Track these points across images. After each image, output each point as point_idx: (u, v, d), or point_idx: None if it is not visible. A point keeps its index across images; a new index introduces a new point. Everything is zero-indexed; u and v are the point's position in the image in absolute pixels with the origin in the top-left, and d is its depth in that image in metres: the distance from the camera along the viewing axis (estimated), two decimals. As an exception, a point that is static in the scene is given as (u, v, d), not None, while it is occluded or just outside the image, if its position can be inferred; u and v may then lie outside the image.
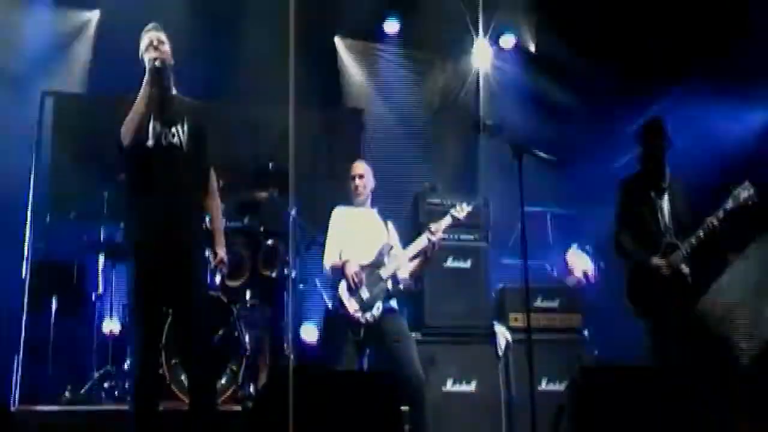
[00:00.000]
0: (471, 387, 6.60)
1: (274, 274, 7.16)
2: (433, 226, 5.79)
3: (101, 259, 7.12)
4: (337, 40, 9.56)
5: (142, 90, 4.60)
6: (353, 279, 5.55)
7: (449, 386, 6.54)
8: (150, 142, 4.61)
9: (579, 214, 8.22)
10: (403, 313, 5.90)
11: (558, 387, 6.52)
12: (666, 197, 5.77)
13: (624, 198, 5.93)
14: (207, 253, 5.08)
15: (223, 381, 6.37)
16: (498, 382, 6.64)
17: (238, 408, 6.06)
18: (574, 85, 8.83)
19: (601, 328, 6.98)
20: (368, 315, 5.53)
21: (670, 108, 8.01)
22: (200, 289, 4.85)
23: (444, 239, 6.31)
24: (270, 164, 7.68)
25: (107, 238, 7.09)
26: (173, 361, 6.33)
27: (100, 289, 7.03)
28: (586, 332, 6.96)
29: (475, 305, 6.87)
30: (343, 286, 5.61)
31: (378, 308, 5.55)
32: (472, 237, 7.08)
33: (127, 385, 6.38)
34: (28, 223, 7.33)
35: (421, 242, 5.78)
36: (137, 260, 4.62)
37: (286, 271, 7.13)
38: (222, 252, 4.94)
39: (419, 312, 6.80)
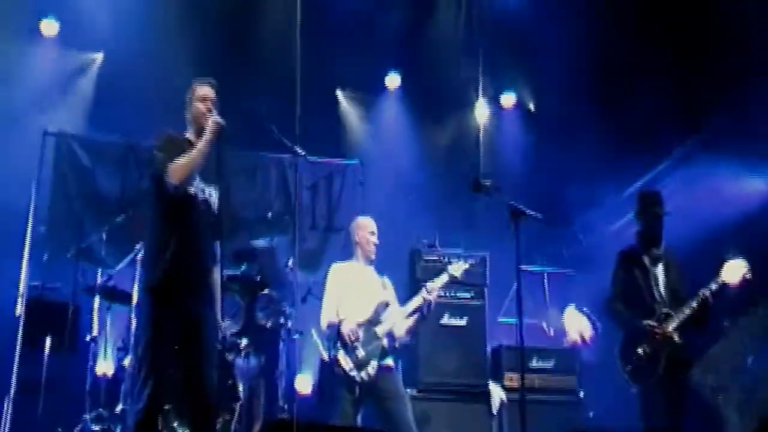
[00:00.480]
0: (465, 446, 6.58)
1: (269, 324, 7.13)
2: (429, 285, 5.80)
3: (97, 300, 7.09)
4: (339, 93, 9.68)
5: (203, 143, 4.65)
6: (349, 337, 5.55)
7: (442, 444, 6.52)
8: (192, 191, 4.68)
9: (576, 275, 8.25)
10: (398, 371, 5.90)
11: (552, 449, 6.49)
12: (660, 267, 5.83)
13: (621, 269, 5.98)
14: None
15: (216, 430, 6.30)
16: (491, 442, 6.61)
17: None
18: (573, 145, 8.93)
19: (596, 390, 6.98)
20: (363, 374, 5.51)
21: (667, 173, 8.17)
22: (215, 344, 4.83)
23: (440, 296, 6.36)
24: (269, 213, 7.74)
25: (103, 279, 7.06)
26: (166, 406, 6.28)
27: (95, 331, 6.98)
28: (581, 394, 6.95)
29: (470, 363, 6.87)
30: (338, 344, 5.61)
31: (373, 367, 5.53)
32: (468, 295, 7.13)
33: (119, 429, 6.33)
34: (25, 260, 7.34)
35: (418, 301, 5.79)
36: (161, 303, 4.60)
37: (281, 321, 7.11)
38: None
39: (414, 368, 6.80)
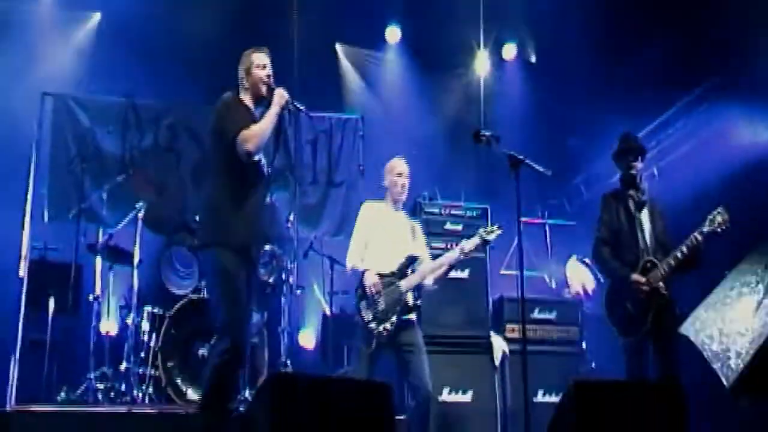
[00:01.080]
0: (467, 397, 6.62)
1: (271, 279, 7.14)
2: (465, 245, 5.65)
3: (99, 260, 7.12)
4: (338, 46, 9.59)
5: (273, 114, 4.72)
6: (371, 289, 5.48)
7: (445, 395, 6.56)
8: (259, 159, 4.75)
9: (579, 227, 8.21)
10: (419, 324, 5.74)
11: (553, 399, 6.53)
12: (645, 214, 5.76)
13: (605, 211, 5.91)
14: None
15: (218, 385, 6.36)
16: (494, 393, 6.65)
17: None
18: (574, 97, 8.84)
19: (598, 341, 6.98)
20: (381, 327, 5.45)
21: (671, 122, 8.09)
22: None
23: (441, 248, 6.40)
24: (269, 169, 7.68)
25: (105, 238, 7.08)
26: (169, 364, 6.35)
27: (98, 290, 7.02)
28: (583, 345, 6.96)
29: (472, 315, 6.88)
30: (360, 294, 5.54)
31: (392, 322, 5.46)
32: (470, 247, 7.08)
33: (123, 387, 6.39)
34: (27, 222, 7.35)
35: (450, 256, 5.68)
36: (229, 256, 4.60)
37: (283, 276, 7.12)
38: None
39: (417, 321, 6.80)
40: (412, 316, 5.61)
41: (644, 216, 5.75)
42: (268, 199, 7.47)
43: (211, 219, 4.72)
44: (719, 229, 5.43)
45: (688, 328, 5.64)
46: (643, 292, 5.52)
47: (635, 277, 5.57)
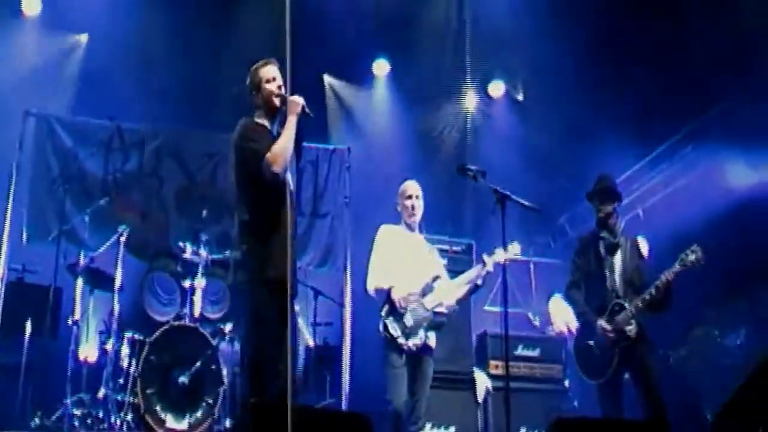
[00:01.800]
0: (449, 432, 6.56)
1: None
2: (487, 259, 5.62)
3: (80, 283, 7.01)
4: (326, 78, 9.62)
5: (291, 125, 4.59)
6: (400, 303, 5.44)
7: (428, 430, 6.48)
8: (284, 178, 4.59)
9: (563, 264, 8.22)
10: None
11: (536, 437, 6.49)
12: (618, 256, 5.76)
13: (578, 254, 5.95)
14: None
15: (198, 414, 6.28)
16: (476, 429, 6.62)
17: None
18: (561, 136, 8.91)
19: (581, 380, 6.94)
20: (411, 342, 5.41)
21: (655, 164, 8.15)
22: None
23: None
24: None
25: (87, 261, 6.95)
26: (148, 390, 6.24)
27: (77, 314, 6.89)
28: (566, 383, 6.94)
29: (456, 351, 6.85)
30: (386, 311, 5.48)
31: (420, 338, 5.45)
32: (455, 282, 7.07)
33: (101, 414, 6.25)
34: (5, 243, 7.25)
35: (473, 273, 5.69)
36: (269, 292, 4.50)
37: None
38: None
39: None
40: (433, 340, 5.58)
41: (617, 257, 5.75)
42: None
43: (250, 254, 4.58)
44: (692, 267, 5.38)
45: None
46: (608, 336, 5.53)
47: (600, 323, 5.60)
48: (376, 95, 9.79)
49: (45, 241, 7.42)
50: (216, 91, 8.65)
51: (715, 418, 5.72)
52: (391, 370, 5.39)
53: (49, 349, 6.93)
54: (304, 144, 6.91)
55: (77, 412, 6.26)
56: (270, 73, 4.77)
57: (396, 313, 5.45)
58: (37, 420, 6.26)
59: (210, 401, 6.32)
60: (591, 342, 5.62)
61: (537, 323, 7.91)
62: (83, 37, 8.70)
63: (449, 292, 5.65)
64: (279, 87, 4.71)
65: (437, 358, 6.69)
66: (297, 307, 6.58)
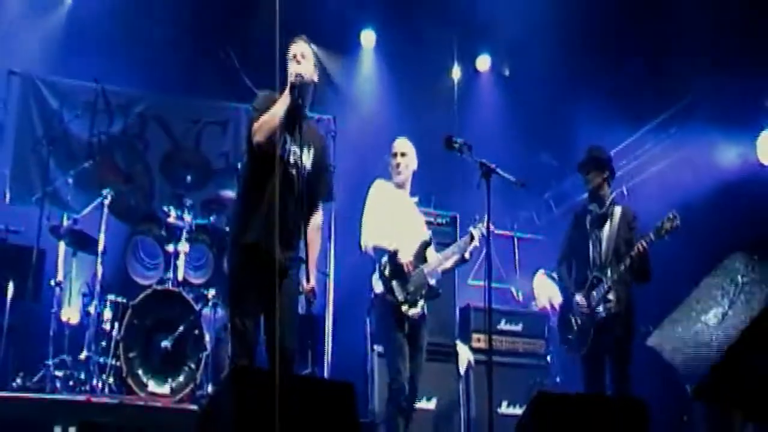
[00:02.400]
0: (431, 404, 6.62)
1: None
2: (474, 232, 5.61)
3: (62, 245, 6.98)
4: (312, 47, 9.54)
5: (282, 98, 4.50)
6: (407, 267, 5.38)
7: (410, 401, 6.52)
8: (278, 152, 4.45)
9: (547, 240, 8.27)
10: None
11: (517, 411, 6.58)
12: (607, 227, 5.76)
13: (571, 228, 6.00)
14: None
15: (180, 379, 6.29)
16: (458, 402, 6.65)
17: (194, 408, 5.97)
18: (547, 112, 8.91)
19: (564, 356, 7.02)
20: (412, 311, 5.38)
21: (644, 141, 8.16)
22: (293, 304, 4.66)
23: None
24: (239, 164, 7.64)
25: (70, 223, 6.92)
26: (130, 354, 6.24)
27: (60, 276, 6.87)
28: (548, 359, 7.00)
29: (439, 323, 6.82)
30: (390, 272, 5.42)
31: (422, 306, 5.42)
32: (438, 254, 7.09)
33: (83, 375, 6.25)
34: (-13, 203, 7.20)
35: (459, 246, 5.66)
36: (246, 258, 4.53)
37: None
38: (311, 284, 4.68)
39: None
40: (426, 309, 5.52)
41: (605, 229, 5.75)
42: (233, 194, 7.50)
43: (235, 219, 4.67)
44: (668, 233, 5.39)
45: (654, 341, 5.68)
46: (583, 310, 5.58)
47: (577, 297, 5.67)
48: (363, 66, 9.74)
49: (28, 202, 7.38)
50: (202, 56, 8.58)
51: (693, 393, 5.82)
52: (394, 342, 5.35)
53: (32, 311, 6.92)
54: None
55: (59, 373, 6.26)
56: (296, 49, 4.72)
57: (402, 277, 5.39)
58: (18, 380, 6.24)
59: (192, 366, 6.34)
60: (571, 316, 5.67)
61: (520, 298, 7.96)
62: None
63: (438, 262, 5.62)
64: (293, 71, 4.59)
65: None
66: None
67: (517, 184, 5.27)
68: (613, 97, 8.30)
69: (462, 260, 5.74)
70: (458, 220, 7.37)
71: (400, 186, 5.77)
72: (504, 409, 6.68)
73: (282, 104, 4.47)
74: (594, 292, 5.59)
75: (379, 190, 5.75)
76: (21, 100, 7.89)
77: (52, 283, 6.80)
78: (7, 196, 7.59)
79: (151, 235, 7.05)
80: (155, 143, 8.30)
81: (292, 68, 4.61)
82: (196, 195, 7.44)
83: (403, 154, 5.76)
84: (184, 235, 6.86)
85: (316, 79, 4.74)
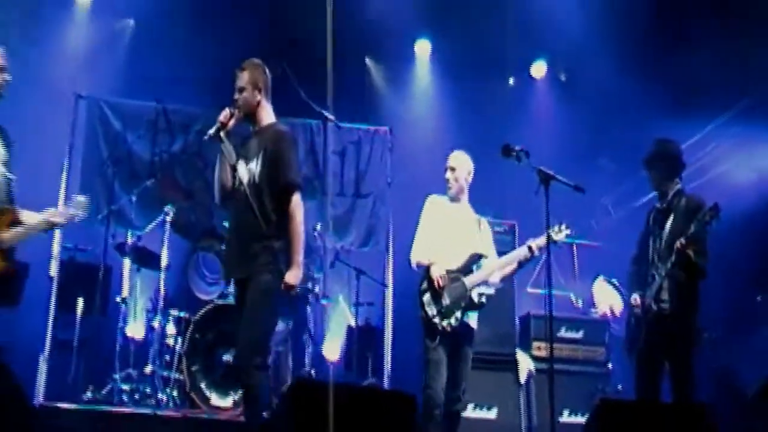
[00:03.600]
0: (492, 414, 6.60)
1: (297, 289, 7.12)
2: (533, 243, 5.55)
3: (127, 262, 7.16)
4: (367, 60, 9.64)
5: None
6: (438, 282, 5.39)
7: (470, 411, 6.50)
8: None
9: (606, 246, 8.16)
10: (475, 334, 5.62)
11: (579, 419, 6.49)
12: (669, 221, 5.56)
13: (643, 230, 5.84)
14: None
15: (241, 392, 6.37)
16: (519, 411, 6.61)
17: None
18: (603, 117, 8.83)
19: (625, 363, 6.91)
20: (445, 322, 5.36)
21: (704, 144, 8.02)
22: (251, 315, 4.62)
23: None
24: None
25: (134, 241, 7.12)
26: (193, 368, 6.36)
27: (125, 292, 7.06)
28: (609, 366, 6.91)
29: (499, 332, 6.84)
30: (424, 287, 5.46)
31: (457, 318, 5.38)
32: (497, 264, 7.07)
33: (148, 389, 6.41)
34: (58, 222, 7.39)
35: (519, 254, 5.62)
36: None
37: (309, 286, 7.12)
38: (289, 277, 4.66)
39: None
40: (473, 320, 5.52)
41: (668, 224, 5.57)
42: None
43: None
44: (707, 225, 5.24)
45: None
46: (637, 310, 5.50)
47: (633, 296, 5.57)
48: (418, 75, 9.78)
49: (95, 221, 7.56)
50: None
51: (753, 399, 5.69)
52: (427, 353, 5.36)
53: (100, 326, 7.13)
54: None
55: (126, 387, 6.45)
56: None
57: (434, 292, 5.40)
58: (89, 393, 6.46)
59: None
60: (631, 317, 5.59)
61: (580, 305, 7.86)
62: (130, 22, 8.85)
63: (495, 270, 5.57)
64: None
65: (480, 339, 6.75)
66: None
67: (577, 189, 5.22)
68: (672, 99, 8.18)
69: (519, 267, 5.70)
70: (516, 229, 7.33)
71: (454, 199, 5.77)
72: (565, 417, 6.60)
73: (220, 160, 4.81)
74: (647, 290, 5.48)
75: (430, 206, 5.77)
76: (87, 123, 8.08)
77: (118, 299, 7.01)
78: (76, 217, 7.79)
79: (212, 251, 7.19)
80: (214, 160, 8.42)
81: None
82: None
83: (452, 169, 5.75)
84: (244, 250, 6.95)
85: (247, 110, 4.88)
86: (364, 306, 7.63)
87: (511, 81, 9.69)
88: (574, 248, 8.30)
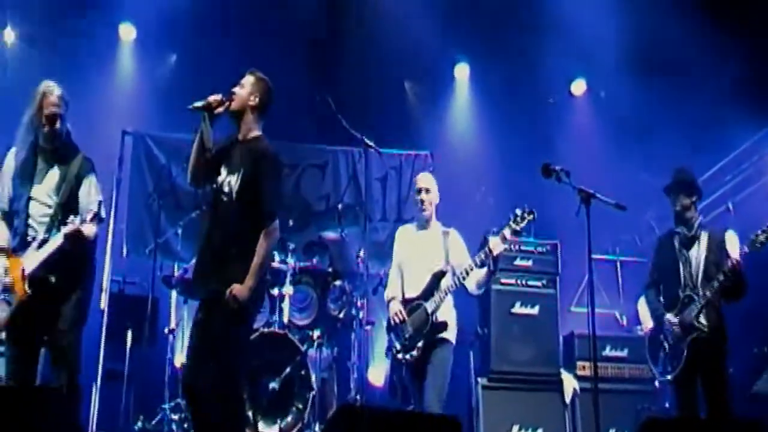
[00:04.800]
0: (537, 435, 6.55)
1: (341, 315, 7.21)
2: (492, 240, 5.36)
3: (174, 293, 7.31)
4: (406, 84, 9.73)
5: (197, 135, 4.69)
6: (394, 319, 5.41)
7: (515, 432, 6.51)
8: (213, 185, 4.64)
9: (649, 262, 8.07)
10: (451, 348, 5.43)
11: (626, 438, 6.42)
12: (695, 249, 5.61)
13: (656, 253, 5.89)
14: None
15: (288, 419, 6.44)
16: (564, 431, 6.56)
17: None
18: (644, 132, 8.78)
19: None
20: (408, 355, 5.32)
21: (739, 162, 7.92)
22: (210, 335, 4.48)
23: (511, 284, 6.60)
24: (339, 205, 7.84)
25: (180, 273, 7.26)
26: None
27: (173, 324, 7.20)
28: (656, 383, 6.83)
29: (542, 352, 6.83)
30: (388, 325, 5.50)
31: (419, 348, 5.30)
32: (540, 283, 7.09)
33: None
34: (108, 256, 7.60)
35: (481, 255, 5.41)
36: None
37: (353, 312, 7.18)
38: (237, 288, 4.37)
39: (486, 357, 6.80)
40: (445, 334, 5.38)
41: (693, 251, 5.62)
42: (337, 235, 7.66)
43: None
44: (762, 247, 5.23)
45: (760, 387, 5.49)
46: (675, 330, 5.44)
47: (667, 316, 5.54)
48: (458, 99, 9.84)
49: (142, 254, 7.74)
50: (297, 101, 8.86)
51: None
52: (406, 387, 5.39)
53: (148, 357, 7.27)
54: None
55: (175, 416, 6.56)
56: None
57: (395, 328, 5.39)
58: (140, 423, 6.61)
59: (300, 406, 6.47)
60: (662, 337, 5.54)
61: (624, 323, 7.79)
62: (172, 57, 9.08)
63: (469, 276, 5.39)
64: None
65: (524, 360, 6.75)
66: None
67: (618, 207, 5.22)
68: (716, 110, 8.10)
69: (490, 275, 5.51)
70: (559, 248, 7.31)
71: (423, 226, 5.69)
72: (612, 436, 6.55)
73: (197, 137, 4.59)
74: (686, 311, 5.45)
75: (398, 239, 5.77)
76: (134, 158, 8.29)
77: (166, 330, 7.14)
78: (124, 249, 7.98)
79: (257, 280, 7.27)
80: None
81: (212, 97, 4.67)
82: (298, 238, 7.66)
83: (426, 190, 5.65)
84: (288, 278, 7.06)
85: (237, 106, 4.68)
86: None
87: (551, 100, 9.68)
88: (618, 265, 8.25)
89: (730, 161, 8.06)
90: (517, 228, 5.39)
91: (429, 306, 5.37)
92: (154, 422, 6.61)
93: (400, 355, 5.36)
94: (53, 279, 4.67)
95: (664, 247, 5.81)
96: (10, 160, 4.83)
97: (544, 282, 7.08)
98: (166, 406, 6.62)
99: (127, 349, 7.11)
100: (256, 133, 4.70)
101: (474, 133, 9.62)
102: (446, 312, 5.44)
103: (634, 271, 8.20)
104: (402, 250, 5.70)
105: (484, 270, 5.42)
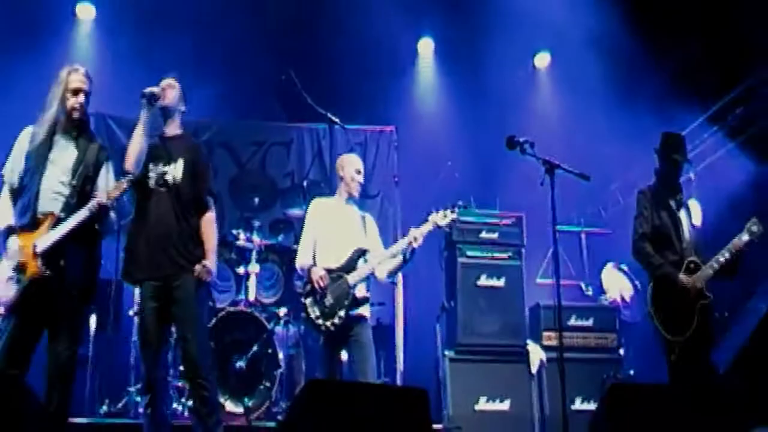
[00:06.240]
0: (504, 405, 6.60)
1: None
2: (415, 232, 5.42)
3: (138, 275, 7.21)
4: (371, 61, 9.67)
5: (139, 125, 5.06)
6: (318, 283, 5.38)
7: (483, 404, 6.55)
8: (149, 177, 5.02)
9: (615, 233, 8.15)
10: (369, 323, 5.51)
11: (592, 406, 6.49)
12: (683, 213, 5.66)
13: (644, 207, 5.75)
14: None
15: (256, 397, 6.42)
16: (531, 401, 6.63)
17: (271, 425, 6.10)
18: (608, 104, 8.79)
19: (636, 348, 6.92)
20: (329, 323, 5.31)
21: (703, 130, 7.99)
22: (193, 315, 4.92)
23: (477, 257, 6.50)
24: (304, 182, 7.80)
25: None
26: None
27: (136, 307, 7.10)
28: (621, 352, 6.90)
29: (508, 324, 6.86)
30: (307, 290, 5.45)
31: (340, 317, 5.31)
32: (505, 255, 7.10)
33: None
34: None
35: (402, 244, 5.46)
36: (141, 290, 5.11)
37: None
38: (208, 263, 4.97)
39: (452, 329, 6.82)
40: (363, 310, 5.45)
41: (683, 215, 5.67)
42: (302, 212, 7.60)
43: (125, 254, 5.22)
44: (755, 239, 5.39)
45: None
46: (690, 292, 5.45)
47: (683, 278, 5.49)
48: (422, 73, 9.81)
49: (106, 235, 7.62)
50: (261, 79, 8.77)
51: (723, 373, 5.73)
52: (318, 350, 5.44)
53: (113, 341, 7.20)
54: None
55: (141, 399, 6.47)
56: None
57: (315, 293, 5.37)
58: (105, 407, 6.55)
59: (267, 384, 6.46)
60: (673, 300, 5.49)
61: (590, 293, 7.85)
62: (132, 38, 8.90)
63: (377, 265, 5.49)
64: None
65: (491, 332, 6.78)
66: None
67: (582, 177, 5.22)
68: (677, 81, 8.14)
69: (404, 263, 5.55)
70: (524, 220, 7.32)
71: (345, 203, 5.71)
72: (578, 405, 6.59)
73: (138, 128, 4.94)
74: (696, 276, 5.47)
75: (314, 210, 5.74)
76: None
77: (131, 312, 7.03)
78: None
79: (222, 259, 7.23)
80: (222, 169, 8.51)
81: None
82: (264, 216, 7.63)
83: (359, 172, 5.72)
84: (254, 256, 7.04)
85: (172, 104, 5.12)
86: (375, 306, 7.64)
87: (515, 73, 9.67)
88: (583, 236, 8.31)
89: (691, 131, 8.10)
90: (440, 224, 5.47)
91: (350, 278, 5.40)
92: (119, 405, 6.54)
93: (319, 321, 5.34)
94: (62, 263, 4.61)
95: (658, 203, 5.72)
96: (25, 137, 4.81)
97: (510, 254, 7.09)
98: (132, 388, 6.55)
99: (92, 334, 6.99)
100: (182, 130, 5.19)
101: (439, 107, 9.62)
102: (364, 290, 5.49)
103: (598, 242, 8.27)
104: (321, 222, 5.65)
105: (399, 259, 5.50)
